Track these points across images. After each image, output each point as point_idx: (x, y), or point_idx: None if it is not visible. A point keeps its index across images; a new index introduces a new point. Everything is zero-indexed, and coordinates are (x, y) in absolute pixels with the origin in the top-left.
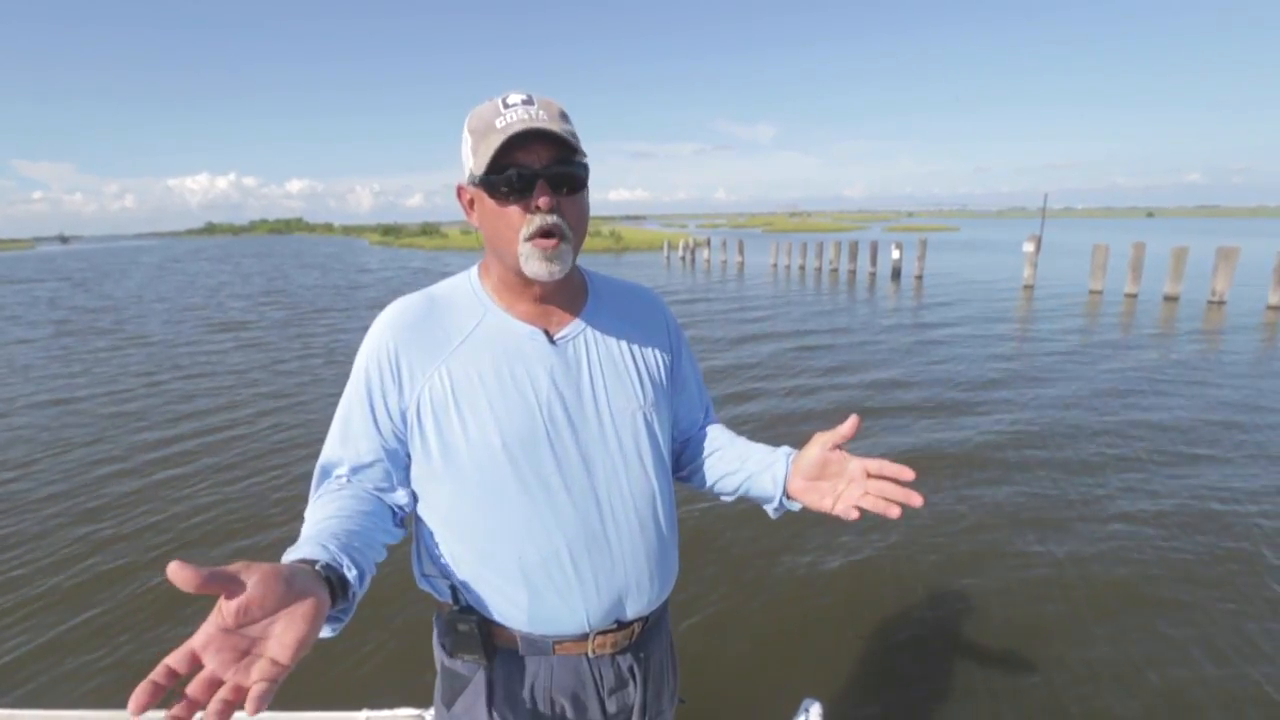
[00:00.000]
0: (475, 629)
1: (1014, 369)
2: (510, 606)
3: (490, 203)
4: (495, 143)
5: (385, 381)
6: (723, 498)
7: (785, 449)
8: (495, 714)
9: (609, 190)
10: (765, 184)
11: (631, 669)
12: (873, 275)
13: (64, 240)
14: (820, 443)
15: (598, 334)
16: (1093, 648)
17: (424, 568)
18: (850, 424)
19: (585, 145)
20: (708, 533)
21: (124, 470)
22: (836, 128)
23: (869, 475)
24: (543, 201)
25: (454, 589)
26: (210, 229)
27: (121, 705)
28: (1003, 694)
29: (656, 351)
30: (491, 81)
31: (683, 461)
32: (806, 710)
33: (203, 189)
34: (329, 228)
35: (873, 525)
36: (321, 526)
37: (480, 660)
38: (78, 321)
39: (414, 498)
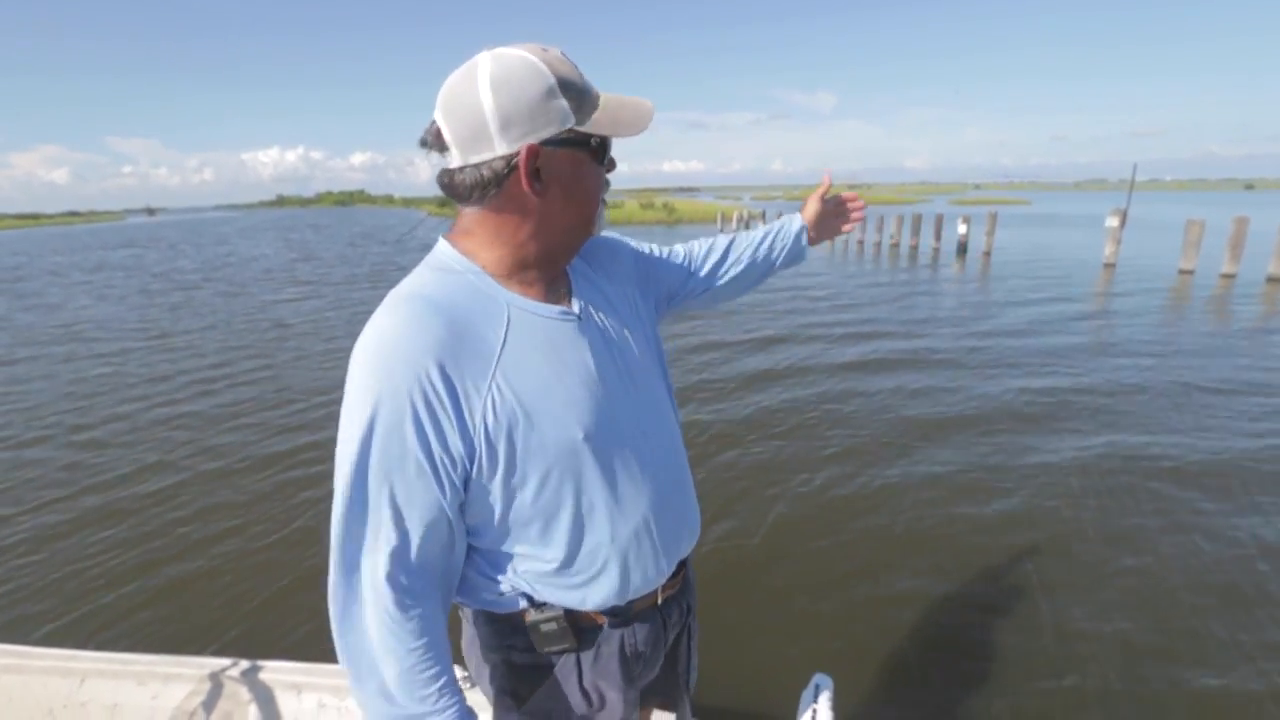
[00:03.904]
0: (563, 620)
1: (1090, 355)
2: (602, 589)
3: (591, 165)
4: (633, 105)
5: (440, 418)
6: (747, 284)
7: (786, 215)
8: (586, 688)
9: (662, 162)
10: (824, 155)
11: (686, 603)
12: (936, 251)
13: (150, 212)
14: (816, 198)
15: (594, 295)
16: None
17: (485, 591)
18: (826, 180)
19: None
20: (725, 497)
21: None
22: (900, 95)
23: (841, 204)
24: (613, 165)
25: (528, 595)
26: (280, 200)
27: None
28: (1021, 675)
29: (635, 289)
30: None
31: (719, 276)
32: (816, 685)
33: (273, 162)
34: (389, 199)
35: (890, 495)
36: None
37: (571, 646)
38: (185, 277)
39: (471, 531)
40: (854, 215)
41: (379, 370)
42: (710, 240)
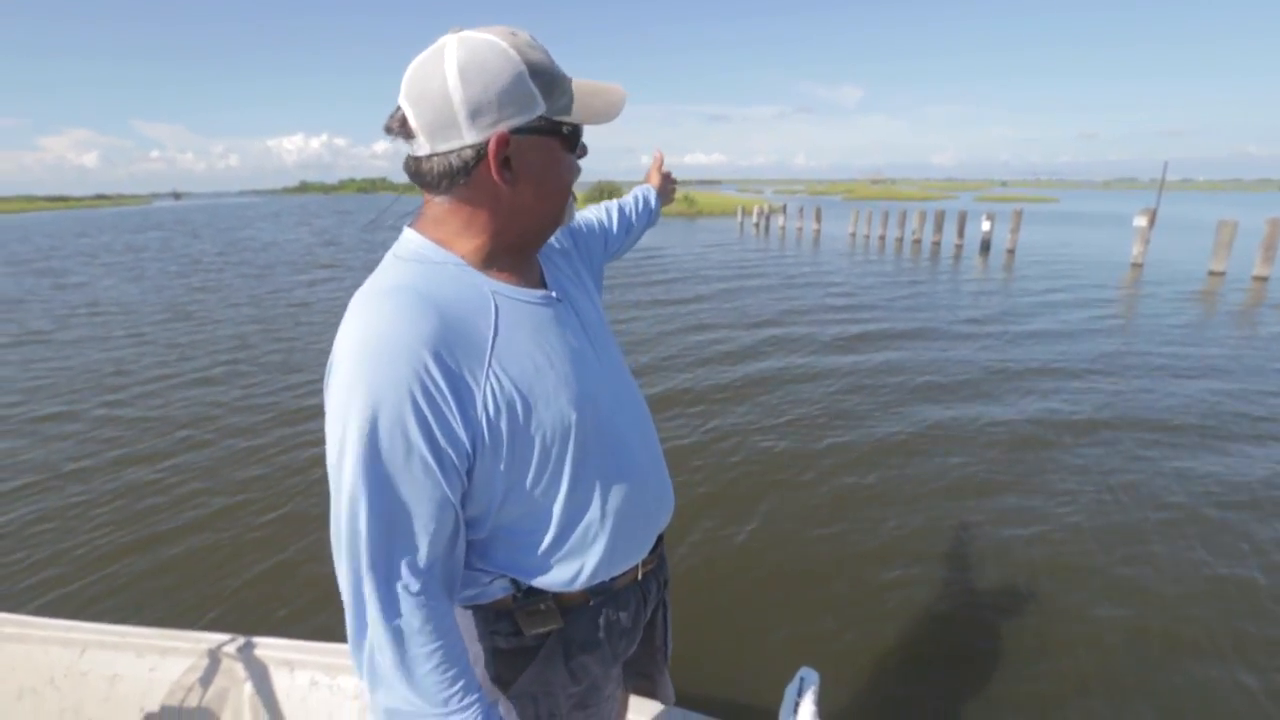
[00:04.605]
0: (550, 602)
1: (1113, 354)
2: (589, 566)
3: (562, 153)
4: (605, 92)
5: (443, 410)
6: (635, 240)
7: (641, 186)
8: (572, 668)
9: (684, 154)
10: (847, 149)
11: (664, 578)
12: (959, 248)
13: (176, 197)
14: (656, 170)
15: (559, 277)
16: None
17: (472, 585)
18: (659, 156)
19: (659, 107)
20: (705, 505)
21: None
22: (927, 90)
23: (668, 178)
24: (585, 152)
25: (516, 581)
26: (304, 187)
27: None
28: (1010, 672)
29: (582, 265)
30: (553, 41)
31: (625, 236)
32: (802, 679)
33: (298, 149)
34: (411, 187)
35: (879, 505)
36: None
37: (557, 626)
38: (210, 260)
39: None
40: (674, 188)
41: (374, 367)
42: (604, 206)
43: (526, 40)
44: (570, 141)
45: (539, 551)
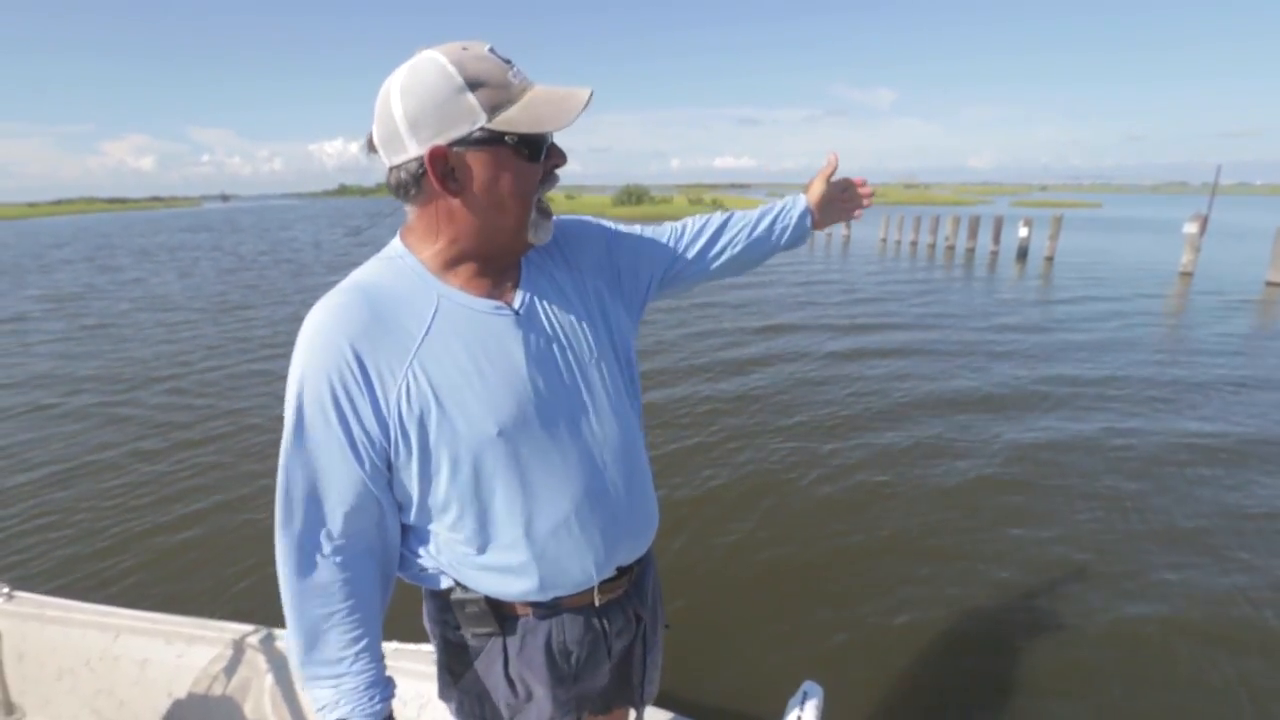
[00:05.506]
0: (484, 605)
1: (1151, 365)
2: (519, 581)
3: (516, 163)
4: (561, 99)
5: (355, 398)
6: (744, 265)
7: (790, 195)
8: (511, 677)
9: (713, 158)
10: (880, 152)
11: (635, 611)
12: (994, 254)
13: (225, 199)
14: (821, 179)
15: (546, 289)
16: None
17: (413, 566)
18: (831, 160)
19: (687, 110)
20: (711, 510)
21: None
22: (964, 91)
23: (849, 187)
24: (562, 159)
25: (453, 576)
26: (343, 190)
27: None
28: (1017, 682)
29: (601, 280)
30: (572, 46)
31: (712, 258)
32: (805, 694)
33: (337, 153)
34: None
35: (884, 510)
36: (344, 674)
37: (495, 631)
38: (255, 259)
39: (399, 507)
40: (864, 201)
41: (305, 354)
42: (704, 219)
43: (475, 53)
44: (523, 150)
45: (465, 554)
